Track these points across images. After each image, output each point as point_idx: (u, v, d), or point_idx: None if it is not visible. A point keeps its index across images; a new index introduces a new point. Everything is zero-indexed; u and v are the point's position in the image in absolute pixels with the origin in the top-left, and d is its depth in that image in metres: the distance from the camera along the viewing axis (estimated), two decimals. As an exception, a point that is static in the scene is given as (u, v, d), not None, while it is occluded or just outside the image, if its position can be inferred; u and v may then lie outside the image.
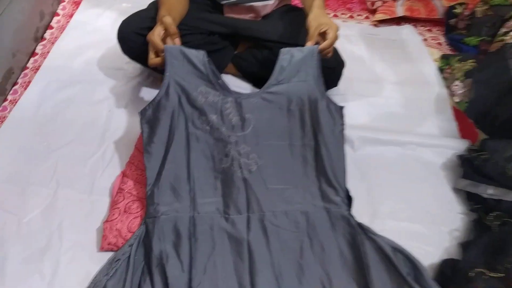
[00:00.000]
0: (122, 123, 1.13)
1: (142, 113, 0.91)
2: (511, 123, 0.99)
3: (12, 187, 0.96)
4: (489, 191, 0.93)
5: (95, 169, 1.02)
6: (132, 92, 1.20)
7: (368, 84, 1.28)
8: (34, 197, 0.95)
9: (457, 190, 1.03)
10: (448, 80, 1.28)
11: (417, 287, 0.77)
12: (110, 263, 0.82)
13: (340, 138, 0.93)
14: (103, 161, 1.04)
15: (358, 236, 0.85)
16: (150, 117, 0.91)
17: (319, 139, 0.91)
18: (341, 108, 0.94)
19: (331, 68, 1.08)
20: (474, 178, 0.96)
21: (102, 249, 0.87)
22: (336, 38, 0.92)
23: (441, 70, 1.33)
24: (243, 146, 0.91)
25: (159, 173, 0.88)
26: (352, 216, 0.88)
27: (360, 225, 0.87)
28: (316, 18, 0.94)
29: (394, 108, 1.23)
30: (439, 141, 1.13)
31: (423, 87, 1.30)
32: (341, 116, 0.94)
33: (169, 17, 0.87)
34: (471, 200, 0.98)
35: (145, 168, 0.89)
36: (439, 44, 1.46)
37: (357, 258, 0.83)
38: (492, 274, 0.75)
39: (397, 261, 0.81)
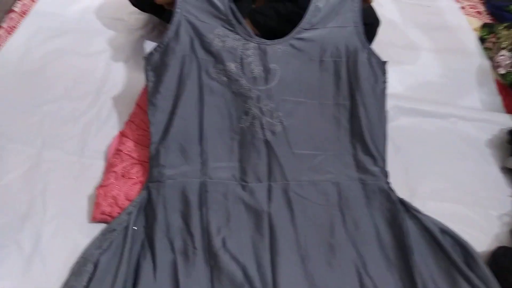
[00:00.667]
0: (121, 78, 0.98)
1: (148, 59, 0.77)
2: None
3: (-8, 143, 0.82)
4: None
5: (88, 128, 0.88)
6: (133, 46, 1.05)
7: (402, 50, 1.14)
8: (15, 157, 0.82)
9: (506, 170, 0.90)
10: (491, 51, 1.14)
11: (471, 275, 0.64)
12: (104, 234, 0.69)
13: (381, 98, 0.79)
14: (97, 120, 0.89)
15: (399, 214, 0.72)
16: (156, 63, 0.77)
17: (356, 98, 0.77)
18: (384, 63, 0.79)
19: (367, 25, 0.93)
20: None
21: (94, 219, 0.73)
22: None
23: (482, 40, 1.19)
24: (266, 103, 0.77)
25: (166, 130, 0.74)
26: (392, 190, 0.75)
27: (401, 201, 0.74)
28: None
29: (431, 78, 1.09)
30: (483, 115, 1.00)
31: (463, 57, 1.15)
32: (384, 72, 0.80)
33: None
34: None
35: (149, 123, 0.75)
36: (478, 12, 1.31)
37: (397, 239, 0.70)
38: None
39: (446, 244, 0.69)
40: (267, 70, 0.78)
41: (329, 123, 0.79)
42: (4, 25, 1.05)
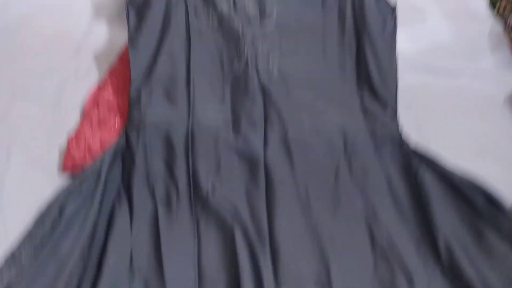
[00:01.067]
0: (103, 36, 0.90)
1: None
2: None
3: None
4: None
5: (63, 82, 0.79)
6: (118, 5, 0.97)
7: (408, 11, 1.06)
8: None
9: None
10: (504, 13, 1.07)
11: (497, 225, 0.56)
12: (74, 182, 0.59)
13: (391, 42, 0.73)
14: (76, 74, 0.81)
15: (414, 163, 0.63)
16: (139, 2, 0.69)
17: (363, 39, 0.70)
18: (394, 9, 0.72)
19: None
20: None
21: (64, 169, 0.64)
22: None
23: (493, 4, 1.12)
24: (262, 45, 0.69)
25: (149, 71, 0.67)
26: (405, 139, 0.66)
27: (415, 151, 0.65)
28: None
29: (441, 42, 1.00)
30: (497, 73, 0.92)
31: (473, 21, 1.07)
32: (393, 17, 0.72)
33: None
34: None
35: (130, 65, 0.67)
36: (487, -22, 1.25)
37: (413, 189, 0.63)
38: None
39: (468, 194, 0.59)
40: (263, 9, 0.70)
41: (332, 67, 0.71)
42: (-19, -18, 0.98)
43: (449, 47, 1.01)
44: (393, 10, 0.74)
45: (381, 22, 0.72)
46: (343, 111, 0.68)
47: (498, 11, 1.10)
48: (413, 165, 0.63)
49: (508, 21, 1.05)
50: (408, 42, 0.97)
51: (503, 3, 1.08)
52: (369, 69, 0.69)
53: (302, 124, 0.66)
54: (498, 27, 1.07)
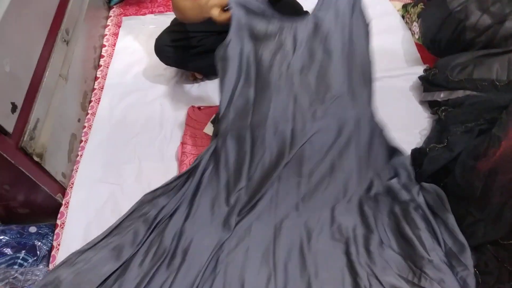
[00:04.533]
0: (171, 111, 1.54)
1: (216, 53, 1.12)
2: (450, 43, 1.33)
3: (110, 167, 1.39)
4: (441, 95, 1.28)
5: (162, 145, 1.43)
6: (173, 89, 1.62)
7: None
8: (127, 171, 1.37)
9: (422, 102, 1.38)
10: (408, 24, 1.62)
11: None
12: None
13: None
14: (165, 139, 1.45)
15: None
16: (222, 55, 1.10)
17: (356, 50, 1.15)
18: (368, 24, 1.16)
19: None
20: (430, 89, 1.31)
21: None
22: None
23: (403, 17, 1.66)
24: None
25: (230, 100, 1.13)
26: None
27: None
28: None
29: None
30: (405, 71, 1.47)
31: (392, 33, 1.64)
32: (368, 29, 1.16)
33: None
34: (432, 106, 1.33)
35: (220, 96, 1.14)
36: (401, -4, 1.79)
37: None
38: (439, 146, 1.10)
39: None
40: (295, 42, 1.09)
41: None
42: (93, 98, 1.65)
43: (377, 56, 1.55)
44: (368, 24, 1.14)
45: (364, 36, 1.12)
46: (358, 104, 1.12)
47: (406, 22, 1.65)
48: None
49: (411, 28, 1.59)
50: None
51: (406, 16, 1.63)
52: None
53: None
54: (408, 33, 1.62)
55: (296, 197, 1.10)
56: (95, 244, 1.04)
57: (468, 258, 0.91)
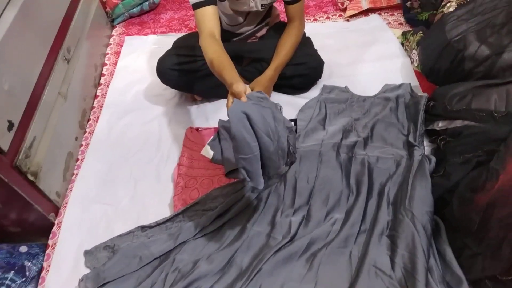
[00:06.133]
0: (169, 132, 1.53)
1: None
2: (448, 72, 1.34)
3: (106, 187, 1.37)
4: (439, 124, 1.27)
5: (158, 165, 1.42)
6: (172, 109, 1.62)
7: (347, 66, 1.65)
8: (122, 191, 1.36)
9: (421, 130, 1.37)
10: (408, 51, 1.63)
11: None
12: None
13: None
14: (162, 159, 1.44)
15: None
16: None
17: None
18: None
19: (313, 68, 1.48)
20: (428, 118, 1.31)
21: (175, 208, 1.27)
22: None
23: (402, 44, 1.68)
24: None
25: None
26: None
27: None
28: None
29: (370, 81, 1.57)
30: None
31: (391, 60, 1.65)
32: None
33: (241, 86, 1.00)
34: (430, 135, 1.32)
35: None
36: (401, 24, 1.81)
37: None
38: (436, 175, 1.09)
39: None
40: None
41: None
42: (91, 117, 1.65)
43: (378, 83, 1.55)
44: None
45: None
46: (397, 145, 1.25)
47: (406, 49, 1.66)
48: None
49: (410, 55, 1.61)
50: (351, 89, 1.56)
51: (406, 43, 1.65)
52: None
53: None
54: (407, 60, 1.63)
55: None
56: (157, 225, 1.17)
57: (465, 292, 0.90)
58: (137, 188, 1.36)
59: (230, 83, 1.01)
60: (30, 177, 1.15)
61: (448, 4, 1.49)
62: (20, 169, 1.12)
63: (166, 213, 1.26)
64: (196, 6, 1.25)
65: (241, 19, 1.47)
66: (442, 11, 1.52)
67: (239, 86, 0.98)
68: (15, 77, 1.15)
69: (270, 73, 1.44)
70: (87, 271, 1.11)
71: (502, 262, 0.83)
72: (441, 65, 1.36)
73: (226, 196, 1.17)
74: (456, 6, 1.44)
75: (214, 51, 1.17)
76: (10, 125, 1.10)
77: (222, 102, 1.61)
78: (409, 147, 1.22)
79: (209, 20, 1.24)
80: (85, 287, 1.03)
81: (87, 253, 1.14)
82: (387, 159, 1.20)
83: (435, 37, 1.41)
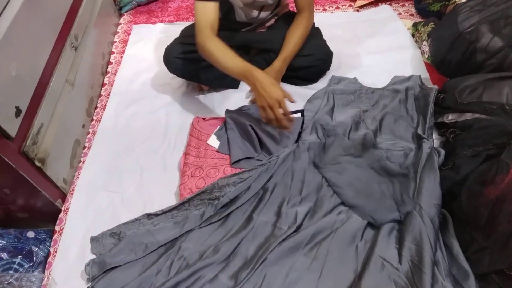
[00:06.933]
0: (176, 121, 1.53)
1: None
2: (460, 64, 1.31)
3: (112, 175, 1.38)
4: (449, 117, 1.26)
5: (165, 154, 1.42)
6: (179, 99, 1.61)
7: (356, 57, 1.63)
8: (128, 180, 1.36)
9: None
10: (418, 42, 1.60)
11: None
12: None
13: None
14: (169, 149, 1.44)
15: None
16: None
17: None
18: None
19: (322, 59, 1.46)
20: (438, 111, 1.29)
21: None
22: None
23: (413, 35, 1.65)
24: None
25: None
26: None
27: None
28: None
29: (379, 72, 1.55)
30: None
31: (401, 51, 1.63)
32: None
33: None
34: (439, 128, 1.31)
35: None
36: (412, 15, 1.78)
37: None
38: (445, 168, 1.08)
39: None
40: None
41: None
42: (98, 105, 1.65)
43: (387, 75, 1.52)
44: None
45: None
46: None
47: (416, 41, 1.63)
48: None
49: (421, 47, 1.58)
50: (360, 80, 1.54)
51: (416, 34, 1.62)
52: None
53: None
54: (418, 52, 1.61)
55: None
56: (163, 213, 1.18)
57: (472, 286, 0.89)
58: (144, 176, 1.37)
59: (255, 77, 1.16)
60: (38, 164, 1.15)
61: (461, -5, 1.47)
62: (28, 155, 1.13)
63: (172, 202, 1.26)
64: None
65: (255, 13, 1.46)
66: (455, 1, 1.50)
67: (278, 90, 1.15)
68: (22, 64, 1.15)
69: (279, 64, 1.43)
70: (93, 257, 1.11)
71: (510, 257, 0.82)
72: (452, 56, 1.33)
73: (233, 186, 1.17)
74: (469, -3, 1.41)
75: (224, 53, 1.23)
76: (18, 111, 1.10)
77: (229, 92, 1.60)
78: (418, 139, 1.21)
79: (209, 15, 1.25)
80: (91, 272, 1.04)
81: (93, 239, 1.14)
82: (396, 151, 1.19)
83: (447, 28, 1.39)
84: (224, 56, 1.23)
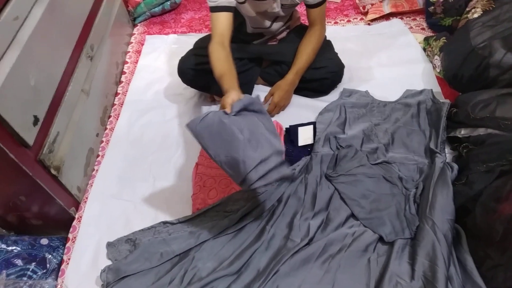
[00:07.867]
0: (188, 132, 1.54)
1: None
2: (472, 79, 1.32)
3: (125, 183, 1.39)
4: (462, 132, 1.26)
5: (177, 165, 1.43)
6: (192, 109, 1.63)
7: (368, 71, 1.64)
8: (141, 188, 1.37)
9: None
10: (430, 56, 1.61)
11: None
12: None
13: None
14: (181, 159, 1.45)
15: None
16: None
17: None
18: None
19: (334, 72, 1.48)
20: (451, 125, 1.29)
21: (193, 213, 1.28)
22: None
23: (424, 49, 1.66)
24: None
25: None
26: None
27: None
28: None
29: (390, 86, 1.55)
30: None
31: (413, 65, 1.64)
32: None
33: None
34: (452, 142, 1.31)
35: None
36: (423, 29, 1.79)
37: None
38: (459, 183, 1.08)
39: None
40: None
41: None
42: (112, 114, 1.67)
43: (398, 87, 1.53)
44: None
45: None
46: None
47: (427, 55, 1.64)
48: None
49: (432, 61, 1.59)
50: (371, 93, 1.54)
51: (428, 49, 1.63)
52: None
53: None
54: (429, 65, 1.62)
55: None
56: (179, 222, 1.19)
57: (486, 303, 0.89)
58: (156, 186, 1.38)
59: (226, 90, 1.11)
60: (53, 172, 1.17)
61: (473, 10, 1.47)
62: (44, 163, 1.14)
63: (184, 211, 1.27)
64: (212, 10, 1.29)
65: (267, 23, 1.48)
66: (467, 17, 1.50)
67: (228, 96, 1.06)
68: (41, 73, 1.17)
69: (291, 77, 1.45)
70: (106, 263, 1.12)
71: (525, 274, 0.82)
72: (464, 71, 1.34)
73: (247, 200, 1.18)
74: (482, 12, 1.42)
75: (217, 58, 1.24)
76: (36, 120, 1.12)
77: (241, 103, 1.61)
78: (431, 154, 1.21)
79: (220, 25, 1.29)
80: (106, 279, 1.05)
81: (109, 245, 1.16)
82: (409, 165, 1.19)
83: (459, 43, 1.40)
84: (216, 62, 1.24)
